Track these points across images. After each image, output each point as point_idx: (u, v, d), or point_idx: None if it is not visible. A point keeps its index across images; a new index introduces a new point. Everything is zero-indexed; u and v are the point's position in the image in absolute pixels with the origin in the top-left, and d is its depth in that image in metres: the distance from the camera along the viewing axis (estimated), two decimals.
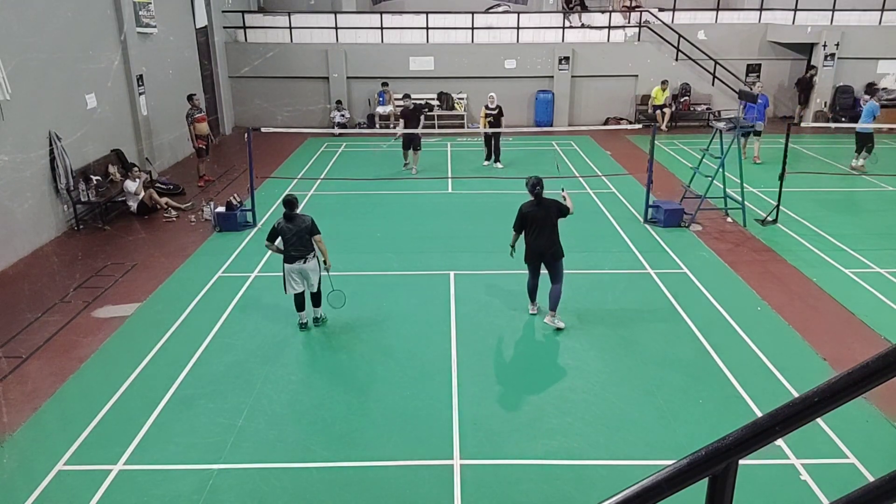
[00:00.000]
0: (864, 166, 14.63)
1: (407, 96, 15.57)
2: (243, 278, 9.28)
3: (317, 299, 7.83)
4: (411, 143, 14.86)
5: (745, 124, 11.84)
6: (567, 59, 19.68)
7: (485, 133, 15.48)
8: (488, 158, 15.63)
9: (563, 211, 7.61)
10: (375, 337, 7.73)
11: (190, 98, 14.09)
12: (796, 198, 12.25)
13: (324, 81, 19.77)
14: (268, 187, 13.18)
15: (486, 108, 15.08)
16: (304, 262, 7.46)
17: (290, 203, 7.50)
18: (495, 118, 14.92)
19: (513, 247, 7.95)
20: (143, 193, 12.06)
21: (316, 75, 19.70)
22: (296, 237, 7.42)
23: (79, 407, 6.38)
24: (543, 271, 7.92)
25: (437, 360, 7.17)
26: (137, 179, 12.01)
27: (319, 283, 7.72)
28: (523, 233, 7.73)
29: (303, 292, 7.73)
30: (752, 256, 10.06)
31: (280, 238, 7.51)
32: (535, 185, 7.53)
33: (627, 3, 20.72)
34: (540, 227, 7.53)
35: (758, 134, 15.05)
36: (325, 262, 7.66)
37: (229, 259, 9.98)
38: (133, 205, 12.00)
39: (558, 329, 7.72)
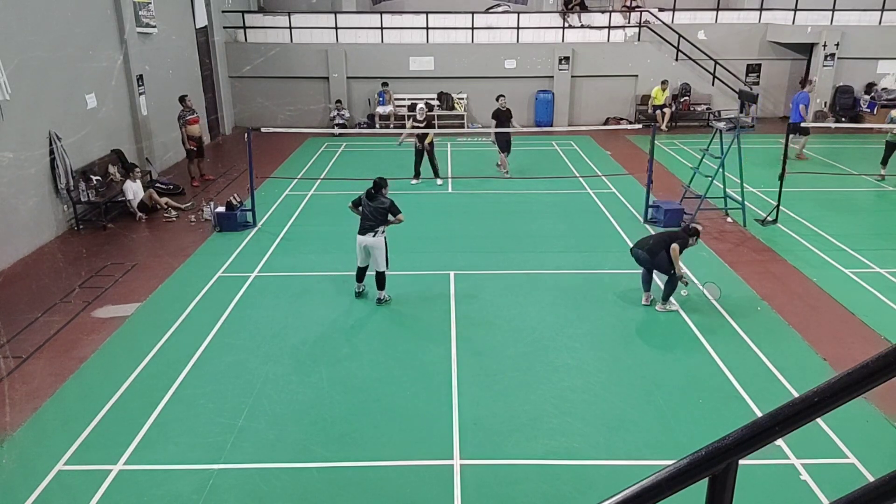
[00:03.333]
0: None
1: (502, 97, 14.48)
2: (243, 278, 9.28)
3: (380, 282, 8.40)
4: (507, 144, 14.45)
5: (746, 124, 11.82)
6: (567, 59, 19.67)
7: (415, 146, 13.69)
8: (417, 177, 13.85)
9: (672, 247, 8.08)
10: (375, 337, 7.74)
11: (182, 99, 13.87)
12: (796, 198, 12.24)
13: (324, 81, 19.76)
14: (268, 187, 13.18)
15: (415, 119, 13.56)
16: (374, 237, 8.11)
17: (376, 184, 8.19)
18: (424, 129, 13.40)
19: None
20: (142, 192, 12.05)
21: (316, 75, 19.70)
22: (370, 212, 8.15)
23: (79, 407, 6.39)
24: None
25: (437, 360, 7.17)
26: (138, 179, 12.01)
27: (386, 262, 8.31)
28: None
29: (365, 268, 8.46)
30: (752, 256, 10.06)
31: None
32: (686, 225, 9.02)
33: (627, 3, 20.70)
34: (654, 237, 8.61)
35: (802, 132, 15.32)
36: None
37: (229, 259, 9.98)
38: (133, 203, 11.99)
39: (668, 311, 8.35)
